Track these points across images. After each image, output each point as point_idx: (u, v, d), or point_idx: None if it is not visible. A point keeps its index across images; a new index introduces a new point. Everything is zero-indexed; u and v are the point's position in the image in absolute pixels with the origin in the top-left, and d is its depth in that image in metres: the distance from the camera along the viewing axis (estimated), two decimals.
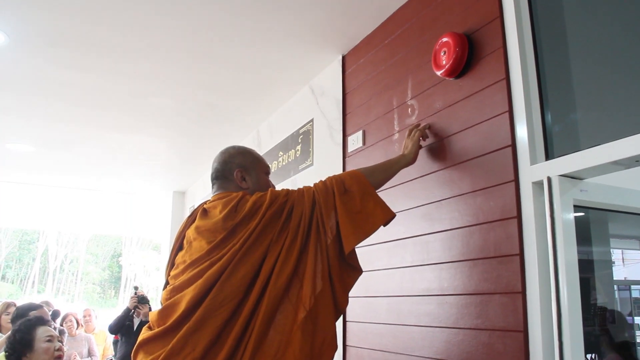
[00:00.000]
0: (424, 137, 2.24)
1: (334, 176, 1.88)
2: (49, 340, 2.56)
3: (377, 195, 1.86)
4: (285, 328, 1.62)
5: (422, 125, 2.24)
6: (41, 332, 2.57)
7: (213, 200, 1.84)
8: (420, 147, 2.20)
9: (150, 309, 4.93)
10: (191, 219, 1.89)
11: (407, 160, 2.12)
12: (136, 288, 5.08)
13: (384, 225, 1.85)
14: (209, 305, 1.60)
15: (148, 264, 24.19)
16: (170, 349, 1.57)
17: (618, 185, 1.86)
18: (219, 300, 1.60)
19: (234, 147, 1.98)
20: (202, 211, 1.84)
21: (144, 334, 1.69)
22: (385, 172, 2.05)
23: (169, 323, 1.63)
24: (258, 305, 1.62)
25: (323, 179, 1.88)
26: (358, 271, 1.84)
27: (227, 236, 1.69)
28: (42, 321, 2.66)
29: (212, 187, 1.94)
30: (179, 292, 1.67)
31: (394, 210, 2.38)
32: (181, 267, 1.75)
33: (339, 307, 1.77)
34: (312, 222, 1.75)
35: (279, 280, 1.64)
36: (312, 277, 1.68)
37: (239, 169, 1.90)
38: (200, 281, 1.64)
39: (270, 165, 3.91)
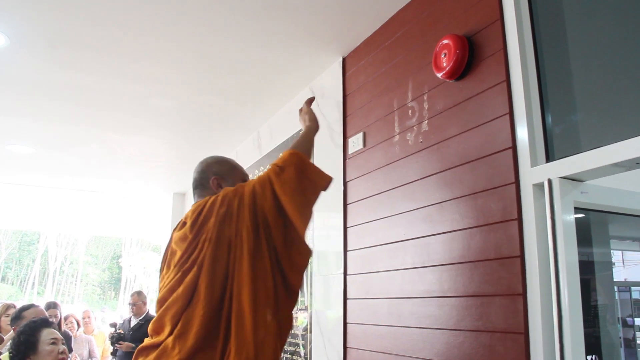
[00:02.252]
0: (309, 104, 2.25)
1: (273, 162, 1.88)
2: (53, 343, 2.55)
3: (312, 164, 1.89)
4: (258, 318, 1.66)
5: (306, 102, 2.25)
6: (45, 335, 2.56)
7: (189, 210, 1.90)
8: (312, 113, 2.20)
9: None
10: (174, 232, 1.94)
11: (313, 127, 2.11)
12: (113, 325, 5.17)
13: (324, 190, 1.86)
14: (191, 310, 1.66)
15: (148, 265, 24.18)
16: (161, 349, 1.65)
17: (618, 187, 1.87)
18: (199, 304, 1.65)
19: (212, 157, 2.04)
20: (182, 223, 1.89)
21: (144, 342, 1.76)
22: (308, 142, 2.04)
23: (158, 336, 1.71)
24: (231, 302, 1.67)
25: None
26: (309, 251, 1.86)
27: (191, 241, 1.73)
28: (46, 323, 2.65)
29: (194, 197, 2.00)
30: (162, 304, 1.73)
31: (396, 212, 2.39)
32: (164, 279, 1.81)
33: (291, 288, 1.79)
34: (258, 214, 1.75)
35: (244, 276, 1.68)
36: (270, 272, 1.72)
37: (215, 177, 1.95)
38: (180, 288, 1.69)
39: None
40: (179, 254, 1.77)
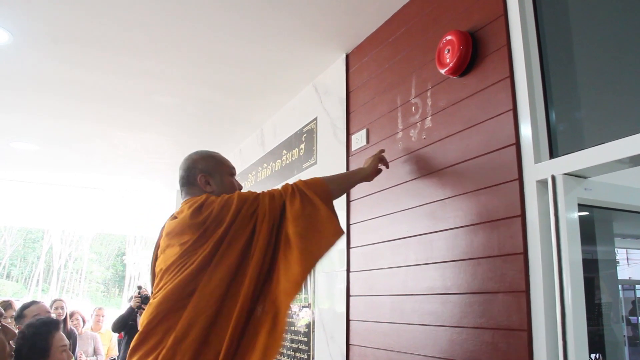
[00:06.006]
0: (383, 159, 2.34)
1: (300, 181, 1.91)
2: (64, 350, 2.45)
3: (333, 210, 1.89)
4: (267, 327, 1.66)
5: (379, 150, 2.36)
6: (57, 340, 2.43)
7: (180, 207, 1.90)
8: (379, 168, 2.29)
9: None
10: (163, 229, 1.94)
11: (365, 173, 2.19)
12: (139, 287, 5.04)
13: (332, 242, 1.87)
14: (193, 313, 1.63)
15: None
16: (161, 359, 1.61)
17: (623, 184, 1.86)
18: (202, 307, 1.64)
19: (196, 153, 2.03)
20: (172, 218, 1.89)
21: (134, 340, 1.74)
22: (345, 180, 2.11)
23: (140, 330, 1.70)
24: (239, 309, 1.66)
25: (290, 182, 1.93)
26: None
27: (197, 240, 1.71)
28: (57, 326, 2.52)
29: (181, 195, 2.00)
30: (154, 300, 1.73)
31: (399, 208, 2.39)
32: (159, 275, 1.79)
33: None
34: (282, 224, 1.79)
35: (257, 284, 1.70)
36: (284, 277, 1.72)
37: (202, 174, 1.96)
38: (170, 286, 1.68)
39: (272, 165, 3.90)
40: (174, 249, 1.75)
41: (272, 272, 1.73)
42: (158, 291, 1.74)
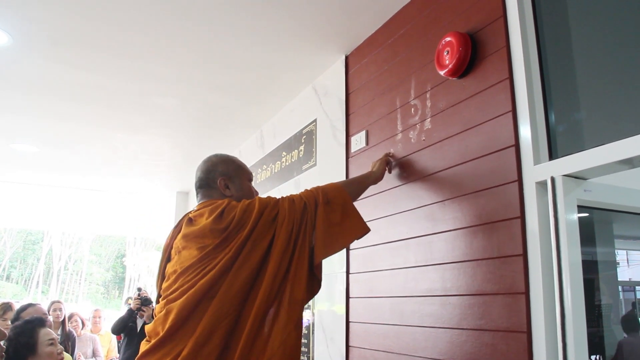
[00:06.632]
0: (389, 163, 2.44)
1: (318, 186, 1.96)
2: (51, 344, 2.49)
3: (356, 209, 1.98)
4: (279, 327, 1.67)
5: (386, 152, 2.48)
6: (43, 335, 2.49)
7: (198, 209, 1.88)
8: (386, 168, 2.42)
9: (153, 311, 4.84)
10: (177, 229, 1.92)
11: (375, 175, 2.30)
12: (139, 289, 5.02)
13: (357, 239, 1.99)
14: (215, 317, 1.63)
15: (152, 264, 24.23)
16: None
17: (622, 185, 1.85)
18: (224, 311, 1.64)
19: (216, 156, 2.02)
20: (188, 220, 1.88)
21: (143, 346, 1.72)
22: (359, 185, 2.22)
23: (162, 333, 1.66)
24: (254, 312, 1.66)
25: (308, 188, 1.96)
26: (319, 285, 1.91)
27: (219, 244, 1.71)
28: (42, 323, 2.57)
29: (197, 196, 1.98)
30: (172, 303, 1.70)
31: (399, 210, 2.39)
32: (172, 277, 1.77)
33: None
34: (301, 229, 1.81)
35: (274, 286, 1.70)
36: (305, 280, 1.76)
37: (222, 177, 1.94)
38: (191, 291, 1.66)
39: (272, 166, 3.90)
40: (192, 251, 1.74)
41: (288, 277, 1.74)
42: (172, 293, 1.72)
